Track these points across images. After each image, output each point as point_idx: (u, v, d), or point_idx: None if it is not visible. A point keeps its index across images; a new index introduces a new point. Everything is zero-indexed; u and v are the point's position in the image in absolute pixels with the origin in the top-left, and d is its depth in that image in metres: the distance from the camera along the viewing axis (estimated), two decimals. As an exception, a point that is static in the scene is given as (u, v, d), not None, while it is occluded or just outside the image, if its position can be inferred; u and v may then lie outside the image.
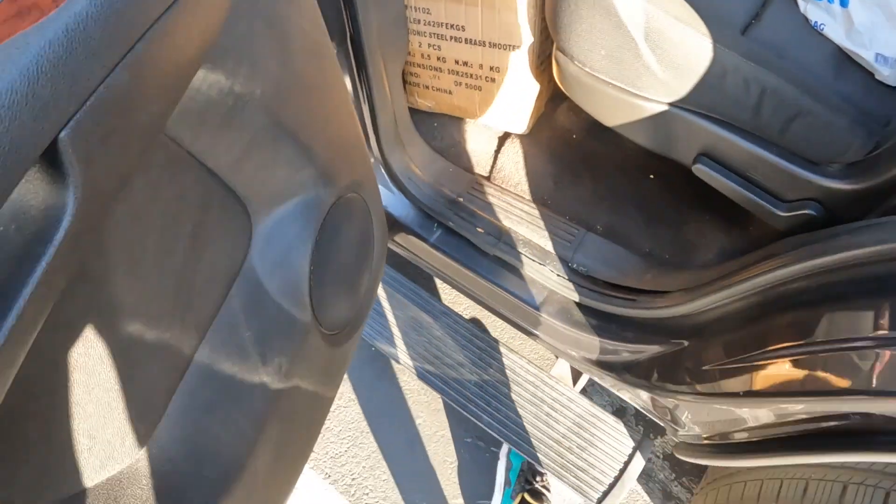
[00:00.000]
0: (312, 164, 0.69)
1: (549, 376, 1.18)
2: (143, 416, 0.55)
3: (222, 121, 0.54)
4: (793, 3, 0.97)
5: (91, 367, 0.47)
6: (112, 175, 0.40)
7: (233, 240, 0.65)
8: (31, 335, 0.37)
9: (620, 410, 1.35)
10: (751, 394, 0.73)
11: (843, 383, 0.65)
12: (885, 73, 0.91)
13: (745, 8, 0.93)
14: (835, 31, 0.94)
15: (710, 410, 0.81)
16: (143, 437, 0.55)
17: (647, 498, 1.27)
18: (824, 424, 0.71)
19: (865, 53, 0.92)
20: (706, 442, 0.87)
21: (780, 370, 0.71)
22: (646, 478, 1.29)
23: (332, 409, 1.36)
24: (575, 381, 1.21)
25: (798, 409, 0.71)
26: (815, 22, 0.96)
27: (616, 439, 1.13)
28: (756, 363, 0.74)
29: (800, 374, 0.69)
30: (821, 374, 0.68)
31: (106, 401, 0.49)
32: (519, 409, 1.15)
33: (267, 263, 0.69)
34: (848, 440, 0.69)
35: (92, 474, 0.50)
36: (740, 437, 0.81)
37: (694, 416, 0.86)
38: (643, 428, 1.32)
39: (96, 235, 0.43)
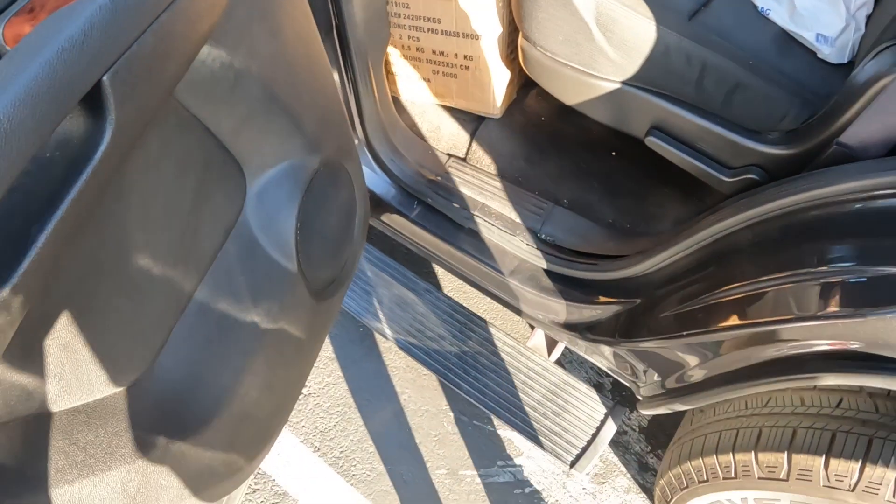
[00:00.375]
0: (300, 134, 0.80)
1: (525, 347, 1.25)
2: (148, 342, 0.64)
3: (224, 91, 0.64)
4: (741, -7, 1.07)
5: (107, 291, 0.56)
6: (138, 117, 0.50)
7: (230, 196, 0.75)
8: (73, 242, 0.47)
9: (598, 386, 1.42)
10: (692, 334, 0.81)
11: (773, 314, 0.73)
12: (825, 52, 1.00)
13: (695, -2, 1.02)
14: (779, 15, 1.04)
15: (662, 354, 0.89)
16: (147, 359, 0.64)
17: (623, 469, 1.32)
18: (765, 355, 0.78)
19: (807, 34, 1.01)
20: (665, 391, 0.94)
21: (716, 311, 0.79)
22: (623, 450, 1.34)
23: (321, 386, 1.44)
24: (550, 352, 1.29)
25: (735, 342, 0.78)
26: (762, 7, 1.05)
27: (589, 406, 1.20)
28: (698, 307, 0.81)
29: (733, 311, 0.77)
30: (755, 308, 0.75)
31: (117, 325, 0.58)
32: (497, 378, 1.22)
33: (259, 218, 0.79)
34: (786, 366, 0.76)
35: (102, 387, 0.58)
36: (696, 377, 0.88)
37: (651, 363, 0.93)
38: (619, 399, 1.38)
39: (120, 168, 0.52)
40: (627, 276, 0.95)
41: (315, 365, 1.47)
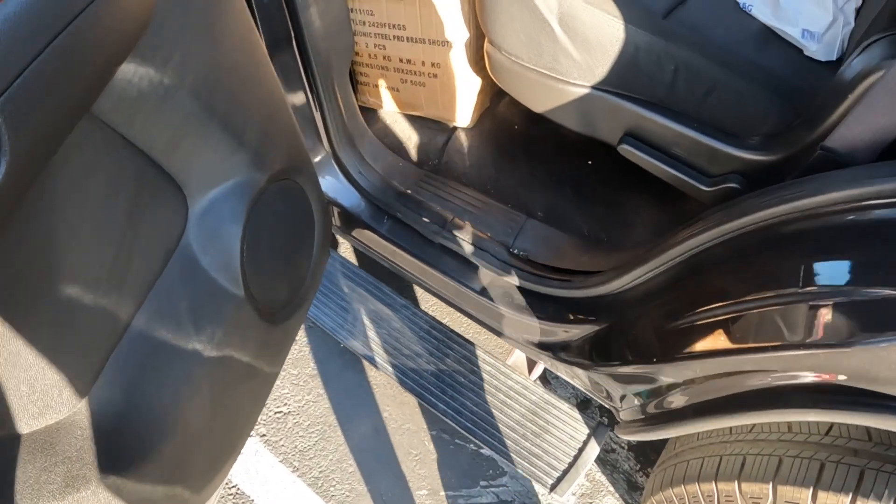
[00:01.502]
0: (244, 150, 0.74)
1: (504, 365, 1.17)
2: (81, 372, 0.59)
3: (154, 109, 0.59)
4: (721, -12, 0.98)
5: (32, 323, 0.51)
6: (39, 144, 0.45)
7: (169, 217, 0.69)
8: None
9: (584, 403, 1.33)
10: (667, 360, 0.73)
11: (752, 341, 0.64)
12: (812, 49, 0.91)
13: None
14: (762, 11, 0.95)
15: (639, 379, 0.80)
16: (80, 391, 0.59)
17: (611, 488, 1.23)
18: (747, 384, 0.70)
19: (792, 30, 0.92)
20: (644, 416, 0.85)
21: (692, 335, 0.70)
22: (611, 468, 1.25)
23: (300, 404, 1.38)
24: (531, 370, 1.21)
25: (714, 370, 0.69)
26: (744, 3, 0.97)
27: (571, 426, 1.11)
28: (673, 330, 0.73)
29: (710, 336, 0.69)
30: (733, 333, 0.67)
31: (45, 355, 0.53)
32: (474, 398, 1.15)
33: (201, 241, 0.73)
34: (769, 399, 0.67)
35: (30, 420, 0.53)
36: (676, 403, 0.79)
37: (628, 388, 0.84)
38: (607, 419, 1.29)
39: (28, 194, 0.47)
40: (602, 293, 0.87)
41: (294, 382, 1.41)
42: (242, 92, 0.72)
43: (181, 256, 0.72)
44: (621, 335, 0.83)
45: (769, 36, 0.92)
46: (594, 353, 0.87)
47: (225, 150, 0.72)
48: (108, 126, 0.57)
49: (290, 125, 0.84)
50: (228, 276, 0.76)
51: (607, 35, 0.82)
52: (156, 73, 0.57)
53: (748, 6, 0.96)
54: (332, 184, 1.12)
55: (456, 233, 1.04)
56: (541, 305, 0.96)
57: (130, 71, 0.55)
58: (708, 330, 0.69)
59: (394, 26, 1.05)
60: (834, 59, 0.91)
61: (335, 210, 1.14)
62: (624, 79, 0.84)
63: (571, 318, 0.92)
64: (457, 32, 1.02)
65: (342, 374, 1.40)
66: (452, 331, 1.21)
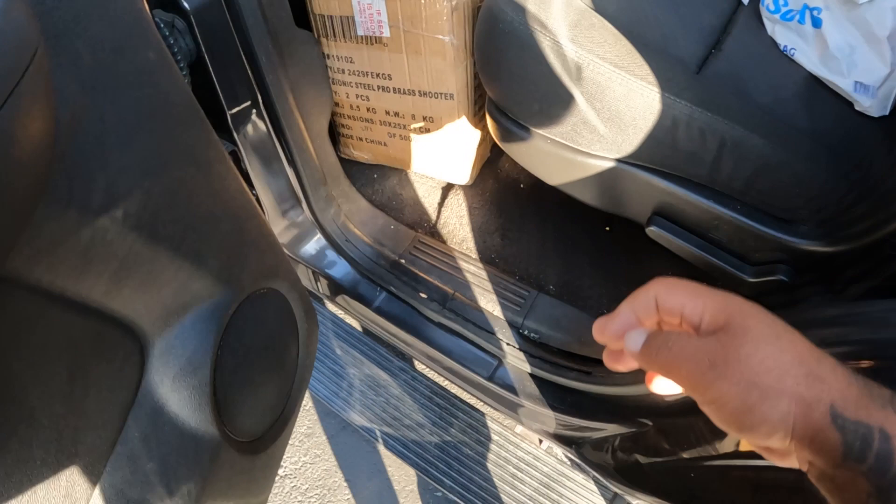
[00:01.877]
0: (205, 272, 0.59)
1: (513, 434, 1.06)
2: None
3: (82, 253, 0.45)
4: (759, 27, 0.82)
5: None
6: None
7: (120, 369, 0.55)
8: None
9: (596, 454, 1.24)
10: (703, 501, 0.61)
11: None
12: (865, 104, 0.76)
13: (703, 39, 0.78)
14: (807, 57, 0.79)
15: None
16: None
17: (626, 548, 1.16)
18: None
19: (843, 82, 0.77)
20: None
21: (730, 478, 0.59)
22: (624, 526, 1.18)
23: (297, 466, 1.27)
24: (541, 439, 1.10)
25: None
26: (785, 46, 0.81)
27: (586, 499, 1.02)
28: (706, 466, 0.61)
29: (757, 491, 0.57)
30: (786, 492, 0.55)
31: None
32: (482, 471, 1.04)
33: (165, 385, 0.60)
34: None
35: None
36: None
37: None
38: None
39: None
40: (625, 394, 0.75)
41: (290, 442, 1.29)
42: (195, 206, 0.57)
43: (142, 410, 0.58)
44: (650, 449, 0.71)
45: (815, 86, 0.77)
46: (618, 463, 0.75)
47: (182, 278, 0.57)
48: (27, 286, 0.43)
49: (259, 225, 0.68)
50: (201, 419, 0.62)
51: (640, 107, 0.66)
52: (76, 211, 0.43)
53: (790, 50, 0.80)
54: (316, 253, 0.96)
55: (458, 311, 0.90)
56: (558, 395, 0.84)
57: (41, 215, 0.40)
58: (752, 478, 0.58)
59: (378, 75, 0.87)
60: (886, 113, 0.76)
61: (323, 280, 0.99)
62: (659, 155, 0.69)
63: (593, 414, 0.80)
64: (451, 83, 0.84)
65: (339, 432, 1.29)
66: (456, 397, 1.09)
